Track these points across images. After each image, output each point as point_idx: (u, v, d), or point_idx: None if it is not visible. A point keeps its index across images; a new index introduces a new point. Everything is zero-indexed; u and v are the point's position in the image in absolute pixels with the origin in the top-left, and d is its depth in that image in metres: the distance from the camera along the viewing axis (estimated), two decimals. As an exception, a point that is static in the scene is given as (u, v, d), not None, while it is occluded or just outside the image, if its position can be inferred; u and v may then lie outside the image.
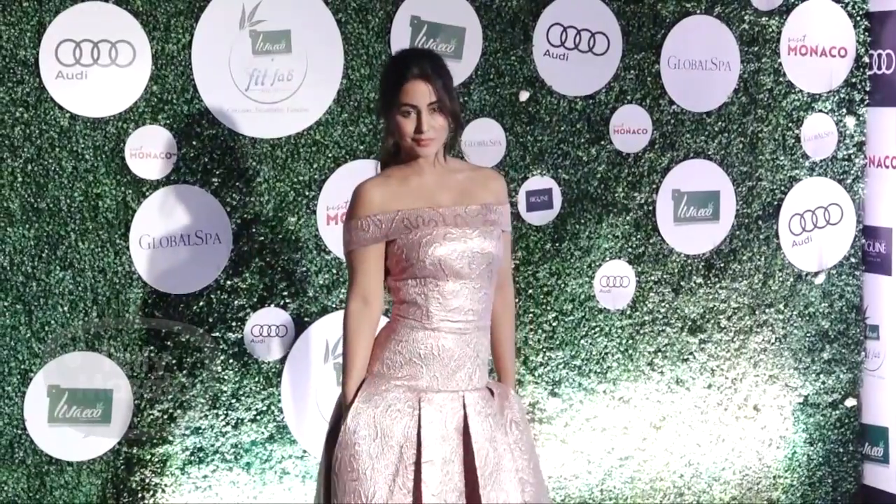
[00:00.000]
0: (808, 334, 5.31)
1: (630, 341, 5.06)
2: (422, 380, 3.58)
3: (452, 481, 3.55)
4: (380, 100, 3.67)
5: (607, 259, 5.00)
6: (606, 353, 5.02)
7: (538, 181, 4.87)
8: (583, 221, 4.95)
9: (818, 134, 5.25)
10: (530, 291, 4.88)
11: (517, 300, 4.74)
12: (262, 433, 4.57)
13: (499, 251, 3.63)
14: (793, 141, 5.22)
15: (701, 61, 5.05)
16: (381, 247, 3.56)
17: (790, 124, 5.22)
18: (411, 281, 3.57)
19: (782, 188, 5.23)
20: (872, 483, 5.35)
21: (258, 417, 4.57)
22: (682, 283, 5.12)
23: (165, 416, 4.47)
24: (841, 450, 5.37)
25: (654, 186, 5.05)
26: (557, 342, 4.95)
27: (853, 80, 5.28)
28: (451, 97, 3.55)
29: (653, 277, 5.08)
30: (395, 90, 3.52)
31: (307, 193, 4.58)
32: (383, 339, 3.63)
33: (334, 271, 4.60)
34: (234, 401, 4.54)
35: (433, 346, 3.58)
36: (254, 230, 4.53)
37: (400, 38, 4.59)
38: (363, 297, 3.57)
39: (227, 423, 4.53)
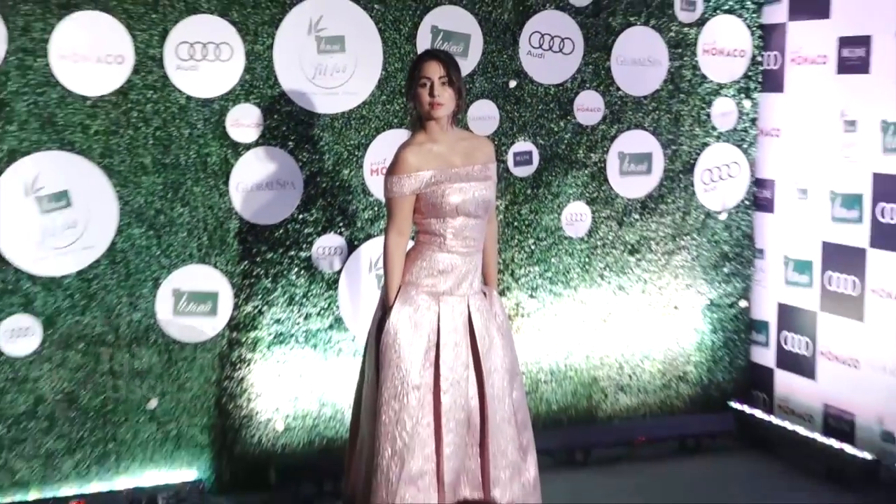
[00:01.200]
0: (714, 255, 5.21)
1: (587, 260, 4.97)
2: (440, 287, 3.59)
3: (461, 357, 3.59)
4: (407, 82, 3.64)
5: (571, 201, 4.90)
6: (570, 268, 4.94)
7: (522, 145, 4.77)
8: (554, 174, 4.84)
9: (723, 112, 5.13)
10: (516, 224, 4.79)
11: (507, 230, 4.74)
12: (325, 323, 4.50)
13: (493, 197, 3.66)
14: (705, 117, 5.11)
15: (640, 59, 4.94)
16: (414, 196, 3.54)
17: (703, 105, 5.10)
18: (434, 219, 3.56)
19: (697, 151, 5.12)
20: (757, 360, 5.29)
21: (322, 312, 4.50)
22: (625, 219, 5.02)
23: (256, 311, 4.40)
24: (735, 337, 5.30)
25: (605, 149, 4.94)
26: (535, 260, 4.87)
27: (749, 73, 5.16)
28: (457, 77, 3.53)
29: (603, 214, 4.99)
30: (416, 68, 3.55)
31: (356, 153, 4.49)
32: (413, 259, 3.63)
33: (375, 209, 4.51)
34: (304, 300, 4.47)
35: (448, 263, 3.58)
36: (318, 179, 4.44)
37: (423, 41, 4.51)
38: (399, 231, 3.57)
39: (300, 316, 4.47)
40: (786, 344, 5.07)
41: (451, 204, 3.52)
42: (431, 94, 3.47)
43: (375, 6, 4.41)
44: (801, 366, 4.95)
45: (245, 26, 4.22)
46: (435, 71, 3.48)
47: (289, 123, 4.34)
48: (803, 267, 4.94)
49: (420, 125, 3.59)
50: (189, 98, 4.18)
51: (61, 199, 4.01)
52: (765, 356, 5.21)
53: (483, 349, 3.62)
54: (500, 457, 3.64)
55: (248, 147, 4.30)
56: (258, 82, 4.28)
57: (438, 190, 3.52)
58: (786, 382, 5.07)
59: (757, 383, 5.25)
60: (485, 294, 3.71)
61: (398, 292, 3.59)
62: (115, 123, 4.07)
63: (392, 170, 3.54)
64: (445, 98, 3.49)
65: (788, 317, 5.05)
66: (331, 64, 4.36)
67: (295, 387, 4.45)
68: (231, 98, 4.25)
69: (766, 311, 5.20)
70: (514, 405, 3.70)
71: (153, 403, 4.24)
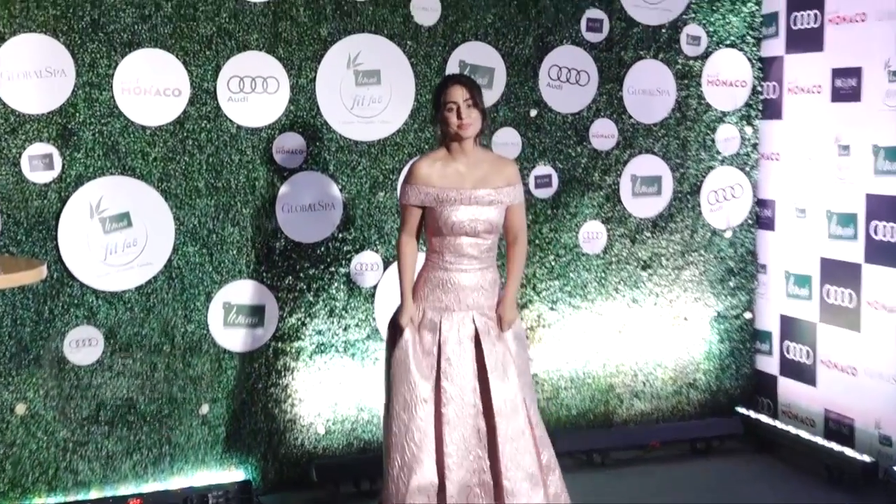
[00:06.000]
0: (720, 270, 5.30)
1: (603, 274, 5.06)
2: (443, 302, 3.65)
3: (464, 371, 3.61)
4: (432, 105, 3.69)
5: (588, 220, 5.02)
6: (587, 283, 5.04)
7: (543, 169, 4.91)
8: (572, 195, 4.98)
9: (727, 138, 5.25)
10: (537, 241, 4.91)
11: (529, 247, 4.72)
12: (362, 334, 4.63)
13: (498, 219, 3.60)
14: (710, 142, 5.23)
15: (650, 89, 5.08)
16: (420, 210, 3.62)
17: (708, 131, 5.23)
18: (435, 238, 3.64)
19: (703, 173, 5.23)
20: (761, 368, 5.40)
21: (360, 323, 4.63)
22: (637, 236, 5.12)
23: (299, 323, 4.54)
24: (741, 346, 5.38)
25: (619, 172, 5.06)
26: (555, 275, 4.97)
27: (750, 102, 5.28)
28: (481, 98, 3.59)
29: (618, 232, 5.08)
30: (441, 93, 3.59)
31: (391, 177, 4.61)
32: (420, 275, 3.70)
33: (409, 228, 4.65)
34: (344, 312, 4.60)
35: (448, 280, 3.64)
36: (356, 201, 4.58)
37: None
38: (409, 233, 3.67)
39: (340, 327, 4.60)
40: (788, 353, 5.17)
41: (449, 224, 3.55)
42: (459, 117, 3.50)
43: (408, 43, 4.58)
44: (803, 373, 5.06)
45: (290, 62, 4.40)
46: (460, 95, 3.52)
47: (329, 150, 4.49)
48: (803, 281, 5.04)
49: (443, 144, 3.63)
50: (239, 127, 4.35)
51: (123, 219, 4.22)
52: (769, 364, 5.32)
53: (490, 364, 3.59)
54: (514, 468, 3.57)
55: (292, 172, 4.44)
56: (302, 112, 4.44)
57: (439, 209, 3.56)
58: (788, 389, 5.17)
59: (761, 390, 5.33)
60: (497, 313, 3.67)
61: (410, 307, 3.63)
62: (172, 151, 4.26)
63: (406, 178, 3.64)
64: (472, 119, 3.52)
65: (790, 327, 5.15)
66: (368, 95, 4.52)
67: (335, 393, 4.57)
68: (277, 127, 4.40)
69: (769, 322, 5.30)
70: (530, 420, 3.63)
71: (205, 409, 4.39)
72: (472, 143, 3.62)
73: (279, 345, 4.53)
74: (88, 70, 4.14)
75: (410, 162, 3.73)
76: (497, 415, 3.56)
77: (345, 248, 4.60)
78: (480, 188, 3.58)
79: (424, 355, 3.60)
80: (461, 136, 3.56)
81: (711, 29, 5.20)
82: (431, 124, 3.82)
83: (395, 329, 3.66)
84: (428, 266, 3.66)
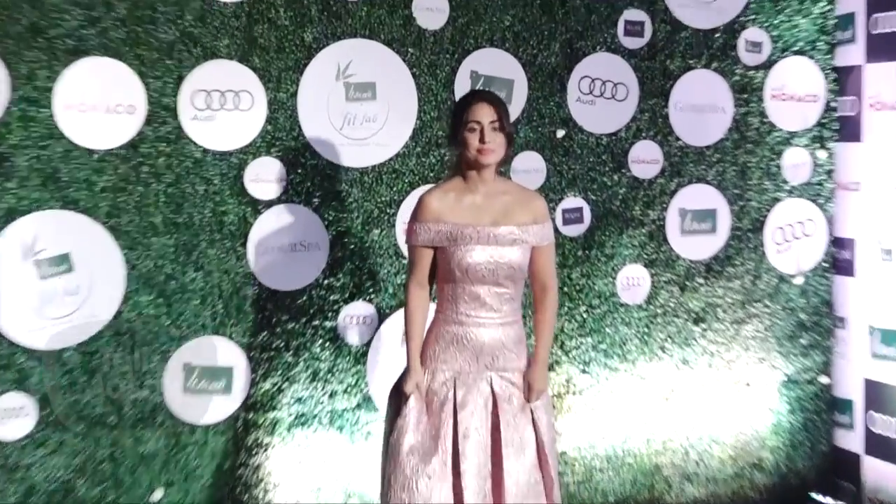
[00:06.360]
0: (790, 324, 5.18)
1: (645, 329, 4.93)
2: (456, 363, 3.53)
3: (481, 442, 3.50)
4: (451, 122, 3.60)
5: (627, 263, 4.89)
6: (626, 339, 4.91)
7: (572, 201, 4.78)
8: (607, 233, 4.84)
9: (795, 164, 5.13)
10: (566, 289, 4.78)
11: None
12: (352, 402, 4.49)
13: (521, 262, 3.53)
14: (775, 169, 5.11)
15: (701, 105, 4.96)
16: (431, 250, 3.54)
17: (773, 156, 5.11)
18: (447, 285, 3.53)
19: (767, 207, 5.11)
20: (841, 445, 5.22)
21: (349, 389, 4.48)
22: (688, 283, 5.00)
23: (275, 388, 4.39)
24: (816, 418, 5.24)
25: (664, 205, 4.94)
26: (587, 330, 4.84)
27: (824, 120, 5.17)
28: (508, 121, 3.50)
29: (664, 278, 4.96)
30: (464, 110, 3.49)
31: (388, 211, 4.51)
32: (430, 331, 3.61)
33: (409, 273, 4.54)
34: (329, 376, 4.45)
35: (462, 335, 3.52)
36: (346, 240, 4.45)
37: (462, 89, 4.52)
38: (419, 281, 3.56)
39: (324, 394, 4.46)
40: (874, 426, 5.03)
41: (463, 267, 3.46)
42: (482, 140, 3.43)
43: (409, 50, 4.47)
44: (893, 451, 4.89)
45: (267, 72, 4.28)
46: (486, 114, 3.44)
47: (313, 178, 4.36)
48: (892, 338, 4.91)
49: (459, 172, 3.56)
50: (205, 151, 4.21)
51: (62, 262, 4.05)
52: (850, 440, 5.17)
53: (506, 437, 3.50)
54: None
55: (268, 205, 4.31)
56: (281, 133, 4.31)
57: (451, 249, 3.48)
58: (876, 470, 5.01)
59: (842, 471, 5.21)
60: (528, 385, 3.57)
61: (417, 372, 3.54)
62: (124, 179, 4.10)
63: (413, 215, 3.56)
64: (496, 144, 3.45)
65: (876, 395, 5.02)
66: (360, 113, 4.40)
67: (318, 475, 4.42)
68: (251, 151, 4.27)
69: (850, 388, 5.16)
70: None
71: (158, 494, 4.22)
72: (492, 172, 3.55)
73: (251, 415, 4.36)
74: (24, 83, 3.99)
75: (420, 193, 3.68)
76: (507, 496, 3.48)
77: (331, 298, 4.45)
78: (501, 225, 3.51)
79: (432, 426, 3.50)
80: (481, 164, 3.49)
81: (775, 33, 5.11)
82: (449, 146, 3.81)
83: (399, 397, 3.57)
84: (439, 319, 3.57)
